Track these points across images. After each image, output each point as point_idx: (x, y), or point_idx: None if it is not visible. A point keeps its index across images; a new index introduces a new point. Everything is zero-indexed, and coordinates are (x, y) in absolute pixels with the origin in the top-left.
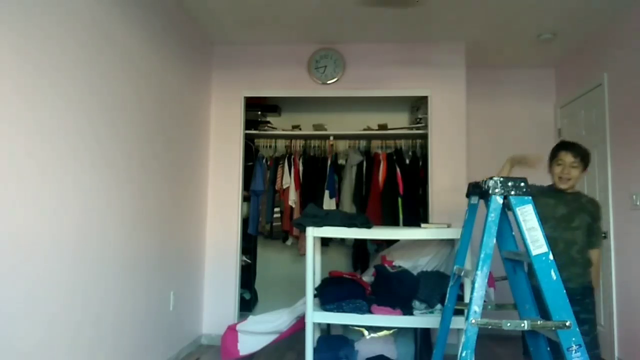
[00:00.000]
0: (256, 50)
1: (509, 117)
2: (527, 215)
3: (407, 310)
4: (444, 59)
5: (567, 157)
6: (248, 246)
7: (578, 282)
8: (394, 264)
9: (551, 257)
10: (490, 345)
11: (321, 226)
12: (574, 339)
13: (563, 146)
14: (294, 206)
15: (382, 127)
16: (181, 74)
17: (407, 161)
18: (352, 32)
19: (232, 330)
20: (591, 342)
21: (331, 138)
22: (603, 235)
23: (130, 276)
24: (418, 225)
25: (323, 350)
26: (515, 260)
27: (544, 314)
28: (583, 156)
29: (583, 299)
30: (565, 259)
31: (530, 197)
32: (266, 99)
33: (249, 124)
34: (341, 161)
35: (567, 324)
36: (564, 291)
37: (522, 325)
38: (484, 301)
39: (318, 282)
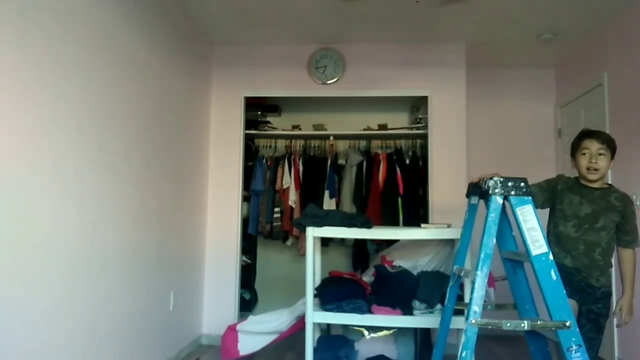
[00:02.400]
0: (256, 50)
1: (509, 117)
2: (527, 216)
3: (407, 310)
4: (444, 59)
5: (593, 145)
6: (248, 246)
7: (600, 283)
8: (394, 264)
9: (551, 257)
10: (490, 345)
11: (321, 226)
12: (574, 339)
13: (587, 134)
14: (294, 206)
15: (382, 127)
16: (181, 74)
17: (407, 161)
18: (352, 32)
19: (232, 330)
20: (589, 342)
21: (331, 138)
22: None
23: (130, 276)
24: (418, 225)
25: (323, 350)
26: (515, 260)
27: None
28: (609, 142)
29: (601, 299)
30: (587, 261)
31: (530, 197)
32: (266, 99)
33: (249, 124)
34: (341, 161)
35: (567, 324)
36: (564, 291)
37: (522, 325)
38: (484, 301)
39: (318, 282)
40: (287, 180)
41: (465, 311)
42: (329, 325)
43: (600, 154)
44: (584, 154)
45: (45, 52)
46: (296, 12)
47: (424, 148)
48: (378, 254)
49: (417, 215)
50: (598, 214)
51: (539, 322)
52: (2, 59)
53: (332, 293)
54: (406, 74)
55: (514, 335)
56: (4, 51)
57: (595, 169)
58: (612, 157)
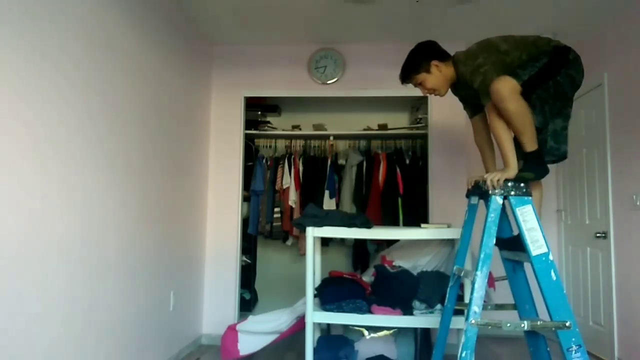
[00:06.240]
0: (256, 50)
1: None
2: (527, 216)
3: (407, 310)
4: None
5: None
6: (248, 246)
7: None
8: (394, 264)
9: (551, 257)
10: (490, 345)
11: (321, 226)
12: (573, 339)
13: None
14: (294, 206)
15: (382, 127)
16: (181, 74)
17: (407, 161)
18: (352, 32)
19: (232, 330)
20: None
21: (331, 138)
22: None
23: (131, 276)
24: (418, 225)
25: (323, 350)
26: (515, 260)
27: None
28: (409, 76)
29: None
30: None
31: (530, 198)
32: (266, 99)
33: (249, 124)
34: (341, 161)
35: (567, 324)
36: (564, 291)
37: (522, 325)
38: (484, 301)
39: (318, 282)
40: (287, 180)
41: (465, 311)
42: (329, 325)
43: (419, 85)
44: None
45: (46, 52)
46: (296, 12)
47: (424, 148)
48: (378, 254)
49: (417, 215)
50: (473, 98)
51: (539, 322)
52: (4, 60)
53: (332, 293)
54: None
55: (514, 335)
56: (6, 52)
57: (434, 94)
58: (426, 65)
